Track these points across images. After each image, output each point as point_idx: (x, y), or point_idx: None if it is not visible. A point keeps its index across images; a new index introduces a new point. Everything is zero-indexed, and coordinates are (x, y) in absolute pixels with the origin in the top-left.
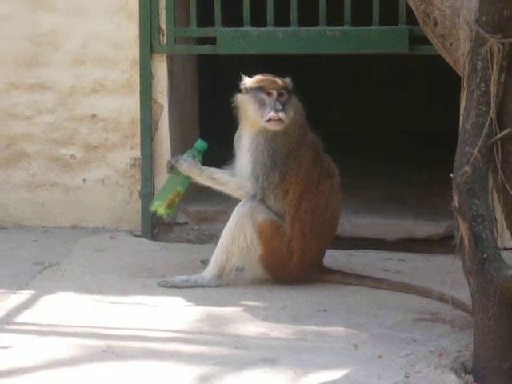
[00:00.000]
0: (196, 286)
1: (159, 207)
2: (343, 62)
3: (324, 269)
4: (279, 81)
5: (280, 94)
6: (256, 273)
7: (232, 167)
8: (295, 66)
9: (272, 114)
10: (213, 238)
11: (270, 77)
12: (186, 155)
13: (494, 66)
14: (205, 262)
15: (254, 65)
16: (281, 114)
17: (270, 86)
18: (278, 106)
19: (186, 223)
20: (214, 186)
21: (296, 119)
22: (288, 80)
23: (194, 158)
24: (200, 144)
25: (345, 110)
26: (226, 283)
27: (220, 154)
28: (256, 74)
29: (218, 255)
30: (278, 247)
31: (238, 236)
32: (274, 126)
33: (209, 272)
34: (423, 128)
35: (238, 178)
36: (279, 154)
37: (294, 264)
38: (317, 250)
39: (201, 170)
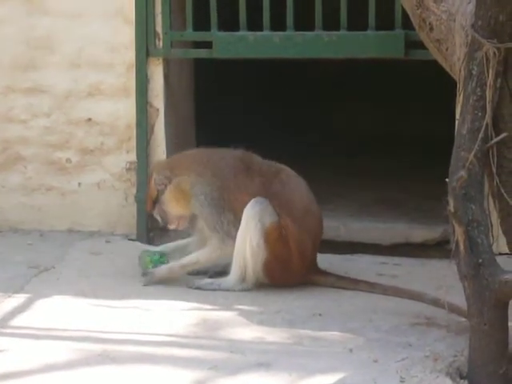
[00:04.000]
0: (220, 289)
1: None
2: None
3: (318, 271)
4: (147, 204)
5: (153, 208)
6: (259, 276)
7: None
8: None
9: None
10: None
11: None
12: (149, 260)
13: (490, 71)
14: (191, 273)
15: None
16: (169, 226)
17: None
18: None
19: None
20: (192, 268)
21: (184, 195)
22: (158, 178)
23: (161, 256)
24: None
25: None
26: (251, 286)
27: None
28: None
29: (236, 259)
30: (280, 250)
31: (247, 238)
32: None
33: (232, 276)
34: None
35: (203, 246)
36: (215, 199)
37: (293, 262)
38: (309, 241)
39: (169, 269)
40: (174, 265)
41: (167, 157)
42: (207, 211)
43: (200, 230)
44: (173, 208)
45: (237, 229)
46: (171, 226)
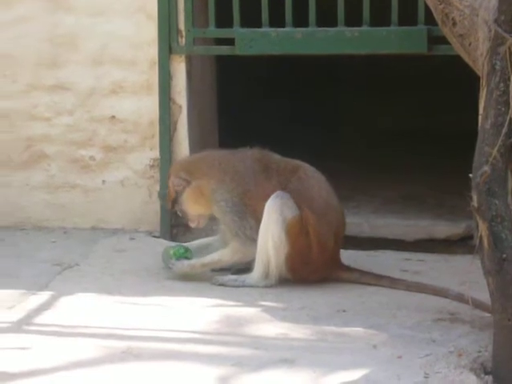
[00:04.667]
0: (244, 285)
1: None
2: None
3: (342, 266)
4: (166, 203)
5: (173, 206)
6: (281, 271)
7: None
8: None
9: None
10: None
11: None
12: (173, 252)
13: None
14: (214, 269)
15: None
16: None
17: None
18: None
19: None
20: (213, 267)
21: (203, 198)
22: (176, 181)
23: (186, 250)
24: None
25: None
26: (275, 283)
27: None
28: None
29: (259, 254)
30: (302, 244)
31: (269, 233)
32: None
33: (256, 272)
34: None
35: (226, 247)
36: (236, 205)
37: (314, 256)
38: (330, 235)
39: (190, 266)
40: (195, 262)
41: (190, 154)
42: (229, 218)
43: (223, 231)
44: (191, 208)
45: (258, 233)
46: (192, 224)
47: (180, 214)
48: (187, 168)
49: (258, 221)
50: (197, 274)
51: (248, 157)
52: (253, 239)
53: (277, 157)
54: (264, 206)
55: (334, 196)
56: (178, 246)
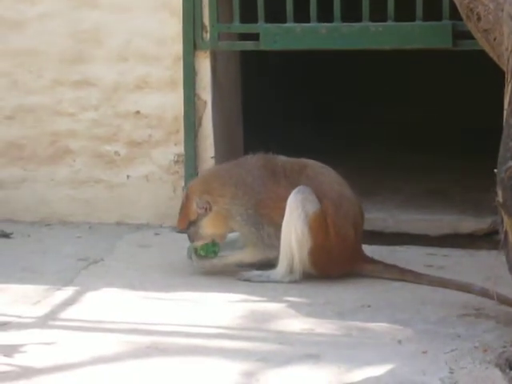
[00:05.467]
0: (269, 281)
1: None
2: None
3: (366, 258)
4: (180, 222)
5: (187, 227)
6: (305, 266)
7: None
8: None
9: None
10: None
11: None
12: (201, 250)
13: None
14: (239, 265)
15: None
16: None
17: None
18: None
19: None
20: (234, 266)
21: (217, 219)
22: (200, 203)
23: (213, 245)
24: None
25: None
26: (299, 278)
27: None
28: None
29: (283, 250)
30: (324, 238)
31: (292, 228)
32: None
33: (280, 268)
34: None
35: (248, 247)
36: (251, 217)
37: (335, 248)
38: (349, 227)
39: (212, 264)
40: (218, 261)
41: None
42: (246, 230)
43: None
44: (210, 232)
45: (278, 239)
46: (199, 243)
47: (190, 235)
48: (207, 188)
49: (276, 226)
50: (219, 270)
51: (254, 166)
52: (272, 245)
53: (282, 159)
54: (278, 210)
55: (348, 188)
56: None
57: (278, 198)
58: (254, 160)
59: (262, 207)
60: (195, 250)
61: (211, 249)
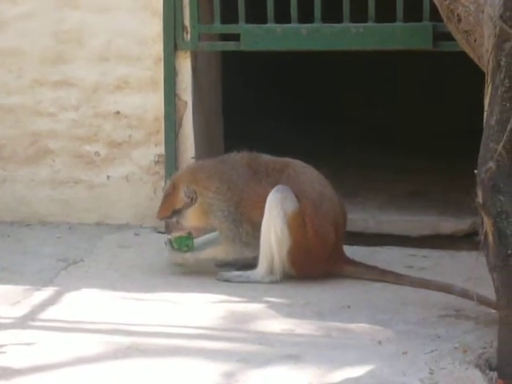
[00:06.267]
0: (249, 281)
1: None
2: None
3: (346, 259)
4: (163, 210)
5: (170, 216)
6: (284, 266)
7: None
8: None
9: None
10: None
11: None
12: (175, 242)
13: None
14: (219, 265)
15: None
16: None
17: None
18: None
19: None
20: (208, 262)
21: (200, 211)
22: (188, 192)
23: (187, 238)
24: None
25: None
26: (279, 278)
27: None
28: None
29: (263, 250)
30: (303, 237)
31: (272, 227)
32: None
33: (260, 268)
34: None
35: (221, 244)
36: (232, 214)
37: (314, 248)
38: (329, 227)
39: (184, 258)
40: (190, 255)
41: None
42: (225, 226)
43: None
44: (191, 223)
45: (255, 238)
46: (177, 234)
47: (170, 225)
48: (194, 179)
49: (254, 225)
50: (190, 265)
51: (239, 164)
52: (249, 244)
53: (265, 158)
54: (257, 209)
55: (330, 188)
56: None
57: (257, 197)
58: (239, 157)
59: (243, 205)
60: (170, 242)
61: (185, 242)
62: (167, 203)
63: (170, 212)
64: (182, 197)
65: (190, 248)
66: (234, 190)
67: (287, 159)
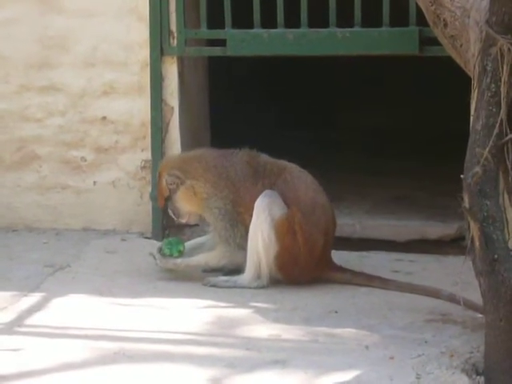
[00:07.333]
0: (236, 286)
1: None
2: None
3: (334, 266)
4: (158, 201)
5: (166, 203)
6: (271, 271)
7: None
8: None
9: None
10: None
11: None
12: (166, 247)
13: (505, 67)
14: (206, 270)
15: None
16: (180, 220)
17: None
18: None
19: (197, 225)
20: (199, 268)
21: (197, 198)
22: (170, 179)
23: (178, 242)
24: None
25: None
26: (267, 283)
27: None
28: None
29: (250, 254)
30: (290, 243)
31: (259, 232)
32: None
33: (247, 273)
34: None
35: (214, 250)
36: (228, 213)
37: (302, 255)
38: (319, 234)
39: (175, 264)
40: (181, 261)
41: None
42: (221, 225)
43: (212, 234)
44: (184, 206)
45: (247, 241)
46: (183, 220)
47: (170, 212)
48: (181, 166)
49: (247, 229)
50: (181, 271)
51: (239, 161)
52: (242, 247)
53: (264, 158)
54: (251, 212)
55: (323, 195)
56: (174, 238)
57: (251, 199)
58: (239, 155)
59: (239, 205)
60: (159, 249)
61: (176, 247)
62: (158, 193)
63: (162, 201)
64: (165, 185)
65: (182, 253)
66: (231, 188)
67: (284, 162)
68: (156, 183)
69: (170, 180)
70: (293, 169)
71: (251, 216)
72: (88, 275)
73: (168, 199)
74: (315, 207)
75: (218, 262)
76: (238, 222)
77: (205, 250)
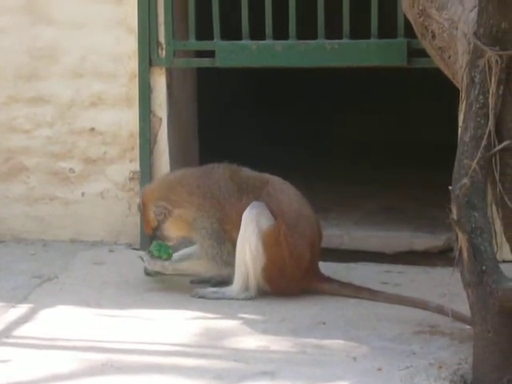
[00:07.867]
0: (224, 298)
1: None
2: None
3: (322, 277)
4: (145, 229)
5: (154, 233)
6: (259, 282)
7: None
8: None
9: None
10: None
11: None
12: (155, 249)
13: (492, 79)
14: (194, 282)
15: None
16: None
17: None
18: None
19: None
20: (186, 273)
21: (184, 224)
22: (157, 210)
23: (168, 247)
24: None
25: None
26: (255, 295)
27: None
28: None
29: (238, 266)
30: (277, 255)
31: (246, 244)
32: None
33: (236, 285)
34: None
35: (202, 260)
36: (215, 232)
37: (289, 267)
38: (305, 246)
39: (163, 266)
40: (169, 264)
41: (170, 166)
42: (208, 243)
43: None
44: (174, 234)
45: (235, 257)
46: (172, 243)
47: (159, 238)
48: (166, 195)
49: (234, 245)
50: (168, 274)
51: (221, 177)
52: (229, 263)
53: (246, 172)
54: (238, 228)
55: (308, 207)
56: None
57: (237, 215)
58: (221, 171)
59: (226, 222)
60: (148, 251)
61: (165, 250)
62: (145, 222)
63: (150, 230)
64: (153, 217)
65: (171, 256)
66: (216, 207)
67: (266, 175)
68: (141, 213)
69: (157, 211)
70: (275, 182)
71: (238, 232)
72: (75, 286)
73: (156, 229)
74: (300, 219)
75: (206, 272)
76: (225, 240)
77: (194, 258)
